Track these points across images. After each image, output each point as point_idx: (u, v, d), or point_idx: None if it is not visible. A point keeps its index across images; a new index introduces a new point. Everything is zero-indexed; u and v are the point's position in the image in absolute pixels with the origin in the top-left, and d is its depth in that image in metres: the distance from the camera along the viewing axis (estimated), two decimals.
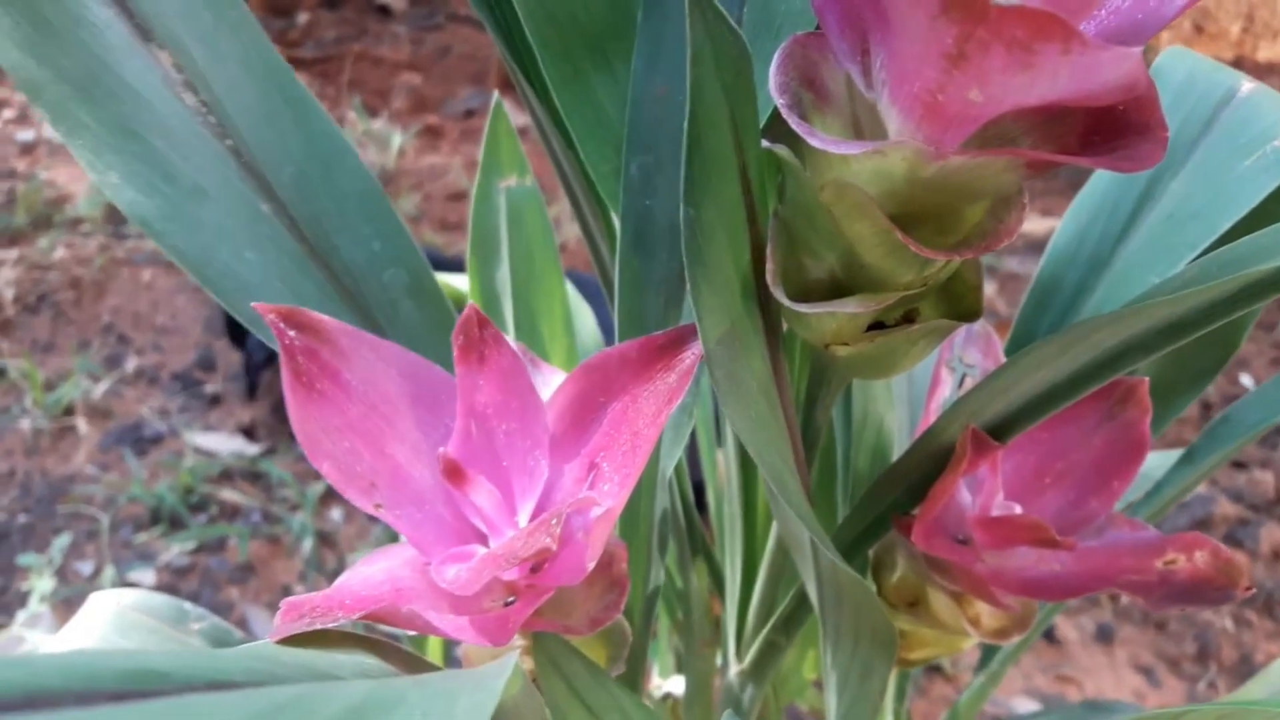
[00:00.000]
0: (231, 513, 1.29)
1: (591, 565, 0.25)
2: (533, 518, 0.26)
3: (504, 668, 0.17)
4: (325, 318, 0.26)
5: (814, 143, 0.21)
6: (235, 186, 0.28)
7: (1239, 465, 1.36)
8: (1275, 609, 1.18)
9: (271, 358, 1.32)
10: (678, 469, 0.40)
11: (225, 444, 1.36)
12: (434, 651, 0.52)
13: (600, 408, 0.27)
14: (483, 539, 0.27)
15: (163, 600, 0.42)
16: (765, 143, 0.24)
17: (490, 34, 0.30)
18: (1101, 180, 0.37)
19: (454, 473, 0.25)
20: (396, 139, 1.95)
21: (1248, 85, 0.36)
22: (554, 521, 0.23)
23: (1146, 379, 0.30)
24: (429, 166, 1.91)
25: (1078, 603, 1.19)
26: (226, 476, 1.31)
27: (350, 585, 0.25)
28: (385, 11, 2.36)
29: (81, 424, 1.37)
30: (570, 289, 0.47)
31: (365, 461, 0.26)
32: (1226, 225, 0.34)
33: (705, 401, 0.49)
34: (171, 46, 0.28)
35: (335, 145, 0.30)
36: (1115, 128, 0.21)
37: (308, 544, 1.22)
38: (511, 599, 0.27)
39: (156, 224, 0.27)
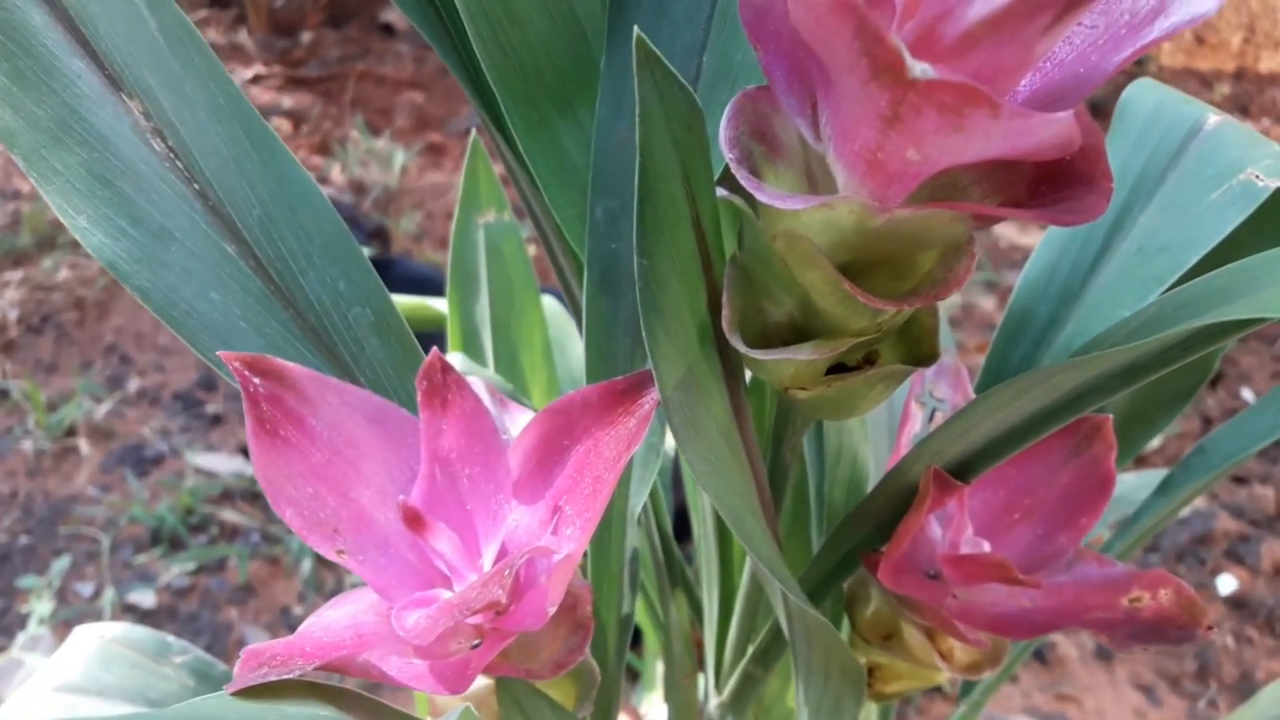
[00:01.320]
0: (231, 533, 1.29)
1: (553, 610, 0.25)
2: (496, 561, 0.26)
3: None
4: (291, 365, 0.26)
5: (761, 198, 0.21)
6: (201, 229, 0.29)
7: (1240, 480, 1.36)
8: (1276, 626, 1.18)
9: None
10: (655, 502, 0.40)
11: (226, 464, 1.36)
12: (421, 697, 0.52)
13: (564, 450, 0.27)
14: (447, 582, 0.27)
15: (145, 634, 0.43)
16: (721, 192, 0.25)
17: (459, 82, 0.30)
18: None
19: (414, 521, 0.25)
20: (399, 157, 1.95)
21: (1214, 118, 0.36)
22: (506, 573, 0.23)
23: (1110, 416, 0.30)
24: (431, 185, 1.92)
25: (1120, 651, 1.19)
26: (227, 496, 1.32)
27: (312, 632, 0.26)
28: (389, 30, 2.38)
29: (83, 445, 1.38)
30: (559, 312, 0.48)
31: (329, 507, 0.26)
32: (1195, 258, 0.34)
33: None
34: (141, 95, 0.29)
35: (301, 187, 0.30)
36: (1062, 178, 0.22)
37: (307, 565, 1.22)
38: (477, 642, 0.27)
39: (123, 266, 0.28)
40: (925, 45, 0.19)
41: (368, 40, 2.31)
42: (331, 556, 0.26)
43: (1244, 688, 1.11)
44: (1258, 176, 0.34)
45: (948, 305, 1.64)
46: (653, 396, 0.26)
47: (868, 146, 0.20)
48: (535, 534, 0.27)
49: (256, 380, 0.26)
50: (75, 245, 1.66)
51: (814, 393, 0.26)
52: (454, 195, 1.83)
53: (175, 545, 1.27)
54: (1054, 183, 0.22)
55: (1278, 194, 0.34)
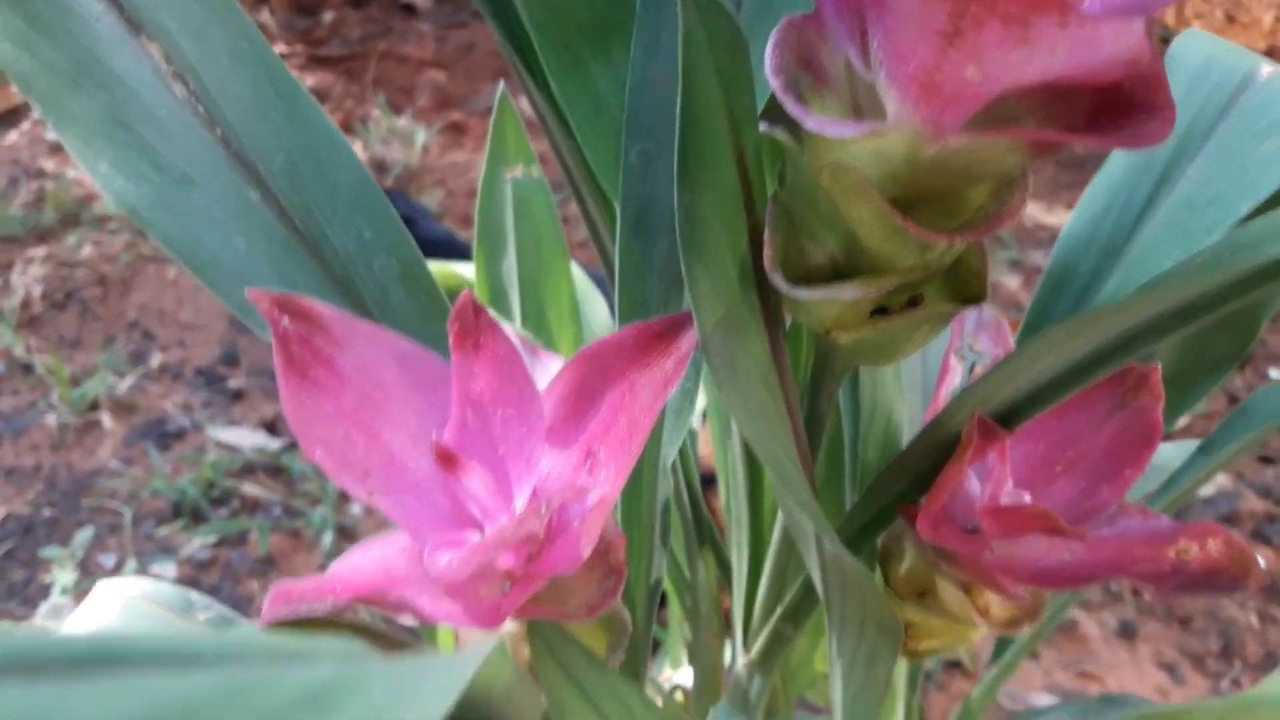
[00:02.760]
0: (253, 507, 1.29)
1: (587, 553, 0.25)
2: (528, 505, 0.26)
3: (480, 650, 0.17)
4: (320, 304, 0.26)
5: (810, 125, 0.21)
6: (224, 175, 0.28)
7: (1266, 460, 1.34)
8: None
9: None
10: (684, 460, 0.40)
11: (247, 439, 1.36)
12: (445, 643, 0.52)
13: (598, 395, 0.27)
14: (479, 526, 0.27)
15: (169, 589, 0.42)
16: (763, 126, 0.24)
17: (490, 25, 0.30)
18: (1116, 167, 0.36)
19: (448, 460, 0.25)
20: (420, 136, 1.95)
21: (1267, 69, 0.35)
22: (544, 508, 0.22)
23: (1158, 365, 0.29)
24: (452, 163, 1.92)
25: (1099, 598, 1.18)
26: (248, 471, 1.32)
27: (343, 571, 0.25)
28: (410, 10, 2.37)
29: (106, 419, 1.39)
30: (582, 278, 0.47)
31: (359, 449, 0.26)
32: (1245, 210, 0.33)
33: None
34: (161, 39, 0.28)
35: (326, 136, 0.30)
36: (1122, 107, 0.21)
37: (328, 538, 1.22)
38: (508, 586, 0.27)
39: (145, 212, 0.27)
40: None
41: (389, 19, 2.30)
42: (363, 498, 0.26)
43: (1268, 666, 1.10)
44: None
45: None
46: (690, 337, 0.25)
47: (924, 67, 0.19)
48: (569, 478, 0.27)
49: (285, 321, 0.25)
50: (99, 222, 1.67)
51: (856, 335, 0.25)
52: (476, 173, 1.83)
53: (197, 518, 1.27)
54: (1112, 112, 0.21)
55: None
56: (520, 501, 0.27)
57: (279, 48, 2.23)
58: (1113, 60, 0.17)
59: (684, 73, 0.21)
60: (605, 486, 0.25)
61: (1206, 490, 1.29)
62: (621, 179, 0.28)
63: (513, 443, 0.27)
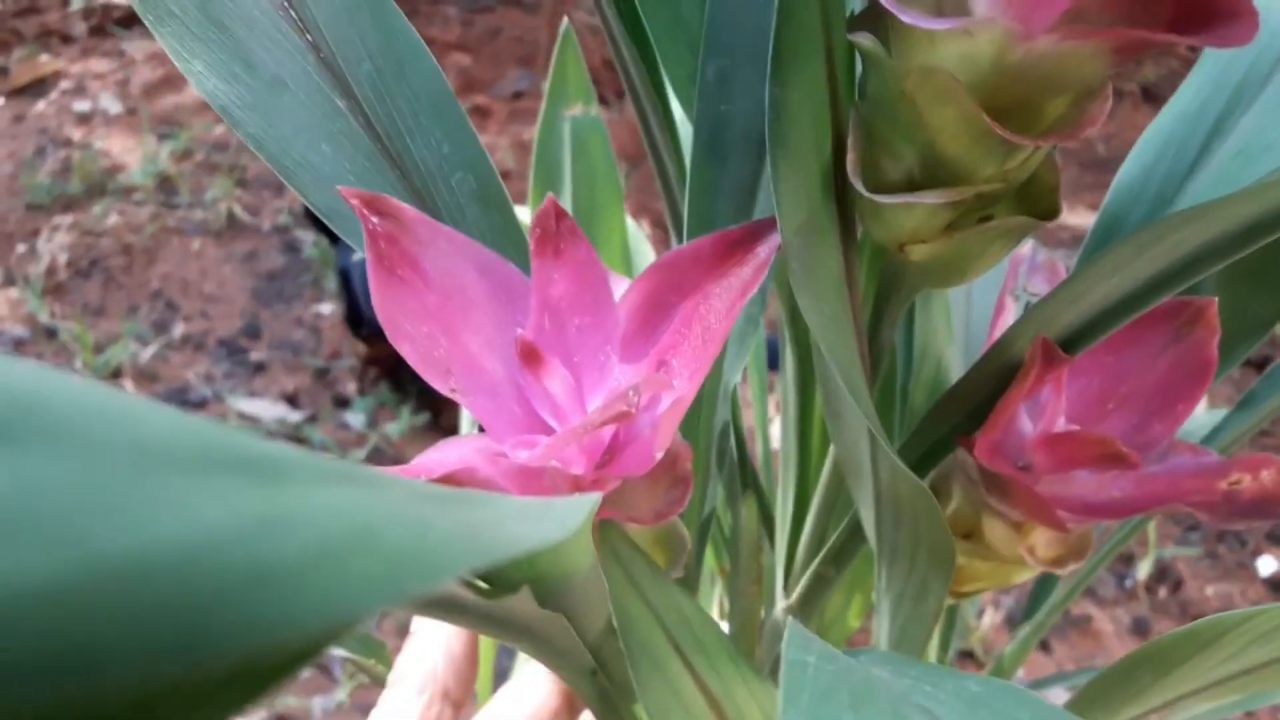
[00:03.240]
0: None
1: (660, 454, 0.26)
2: (610, 395, 0.27)
3: (587, 499, 0.18)
4: (406, 206, 0.26)
5: (904, 19, 0.21)
6: (313, 80, 0.29)
7: None
8: None
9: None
10: (733, 403, 0.41)
11: (269, 410, 1.37)
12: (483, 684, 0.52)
13: (672, 306, 0.27)
14: (550, 433, 0.27)
15: None
16: (851, 34, 0.25)
17: None
18: (1168, 118, 0.37)
19: (530, 356, 0.26)
20: None
21: None
22: (632, 393, 0.23)
23: (1214, 300, 0.30)
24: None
25: (1113, 594, 1.18)
26: None
27: (424, 461, 0.26)
28: None
29: (129, 386, 1.40)
30: (632, 227, 0.48)
31: (442, 347, 0.27)
32: None
33: (759, 347, 0.49)
34: None
35: (410, 45, 0.30)
36: (1203, 15, 0.21)
37: None
38: (581, 488, 0.27)
39: (236, 112, 0.28)
40: None
41: (415, 3, 2.31)
42: (446, 393, 0.26)
43: None
44: None
45: None
46: (770, 244, 0.26)
47: None
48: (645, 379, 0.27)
49: (375, 219, 0.26)
50: (125, 192, 1.68)
51: (931, 249, 0.26)
52: (499, 156, 1.84)
53: None
54: (1193, 20, 0.21)
55: None
56: (594, 408, 0.27)
57: None
58: None
59: None
60: (680, 390, 0.26)
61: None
62: (697, 96, 0.29)
63: (588, 350, 0.28)
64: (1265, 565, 1.22)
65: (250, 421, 1.35)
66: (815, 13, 0.22)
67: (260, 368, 1.44)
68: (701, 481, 0.33)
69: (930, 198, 0.24)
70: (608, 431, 0.27)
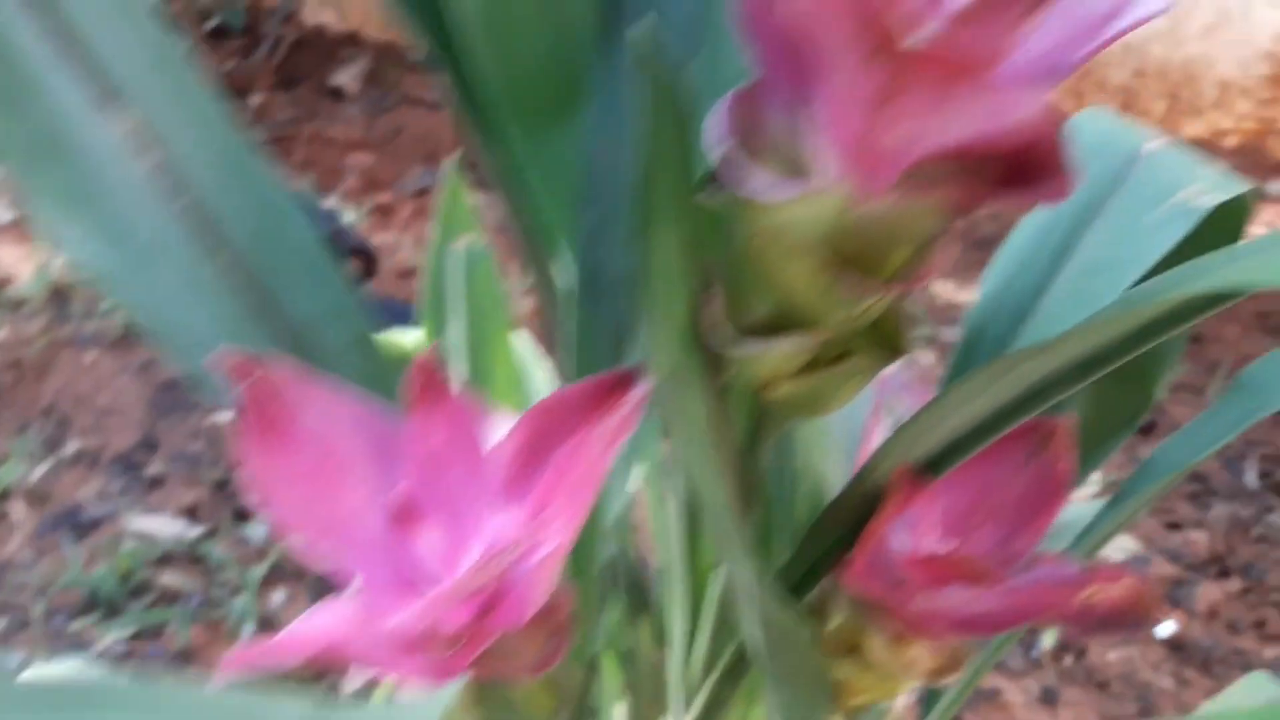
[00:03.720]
0: (171, 598, 1.26)
1: (535, 608, 0.26)
2: (477, 560, 0.27)
3: (441, 695, 0.18)
4: (281, 366, 0.27)
5: (748, 187, 0.23)
6: (189, 245, 0.29)
7: (1174, 526, 1.39)
8: (1213, 667, 1.20)
9: None
10: (622, 527, 0.41)
11: (166, 526, 1.33)
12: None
13: (549, 451, 0.28)
14: (432, 585, 0.27)
15: (97, 672, 0.42)
16: (705, 192, 0.26)
17: (449, 91, 0.31)
18: (1021, 236, 0.39)
19: (402, 518, 0.26)
20: (349, 217, 1.96)
21: (1155, 142, 0.38)
22: (499, 557, 0.23)
23: (1066, 419, 0.32)
24: (381, 244, 1.92)
25: (1021, 665, 1.20)
26: (166, 560, 1.29)
27: (295, 633, 0.26)
28: (338, 94, 2.39)
29: (17, 509, 1.34)
30: (524, 347, 0.48)
31: (316, 508, 0.27)
32: (1138, 274, 0.36)
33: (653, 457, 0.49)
34: (130, 110, 0.29)
35: (284, 205, 0.31)
36: (1029, 171, 0.23)
37: (249, 628, 1.19)
38: (459, 644, 0.27)
39: (112, 281, 0.28)
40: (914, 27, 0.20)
41: (317, 103, 2.32)
42: (318, 558, 0.26)
43: None
44: (1194, 196, 0.36)
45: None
46: (642, 389, 0.26)
47: (857, 131, 0.21)
48: (519, 535, 0.28)
49: (248, 381, 0.26)
50: (14, 305, 1.63)
51: (790, 388, 0.27)
52: (405, 254, 1.84)
53: (112, 611, 1.23)
54: (1021, 176, 0.23)
55: (1216, 215, 0.36)
56: (473, 559, 0.28)
57: None
58: (1024, 124, 0.19)
59: (640, 137, 0.23)
60: (554, 541, 0.26)
61: (1118, 556, 1.33)
62: (578, 242, 0.30)
63: (465, 502, 0.28)
64: (1163, 627, 1.25)
65: (147, 540, 1.31)
66: (676, 175, 0.23)
67: (157, 482, 1.39)
68: (591, 616, 0.34)
69: (783, 345, 0.25)
70: (505, 561, 0.27)
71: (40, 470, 1.38)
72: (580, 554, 0.33)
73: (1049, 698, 1.18)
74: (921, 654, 0.35)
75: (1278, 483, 1.47)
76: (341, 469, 0.28)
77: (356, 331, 0.31)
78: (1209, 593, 1.29)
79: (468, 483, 0.28)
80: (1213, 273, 0.21)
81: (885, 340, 0.27)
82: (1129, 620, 0.29)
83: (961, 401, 0.26)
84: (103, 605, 1.23)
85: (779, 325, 0.27)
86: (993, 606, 0.32)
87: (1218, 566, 1.35)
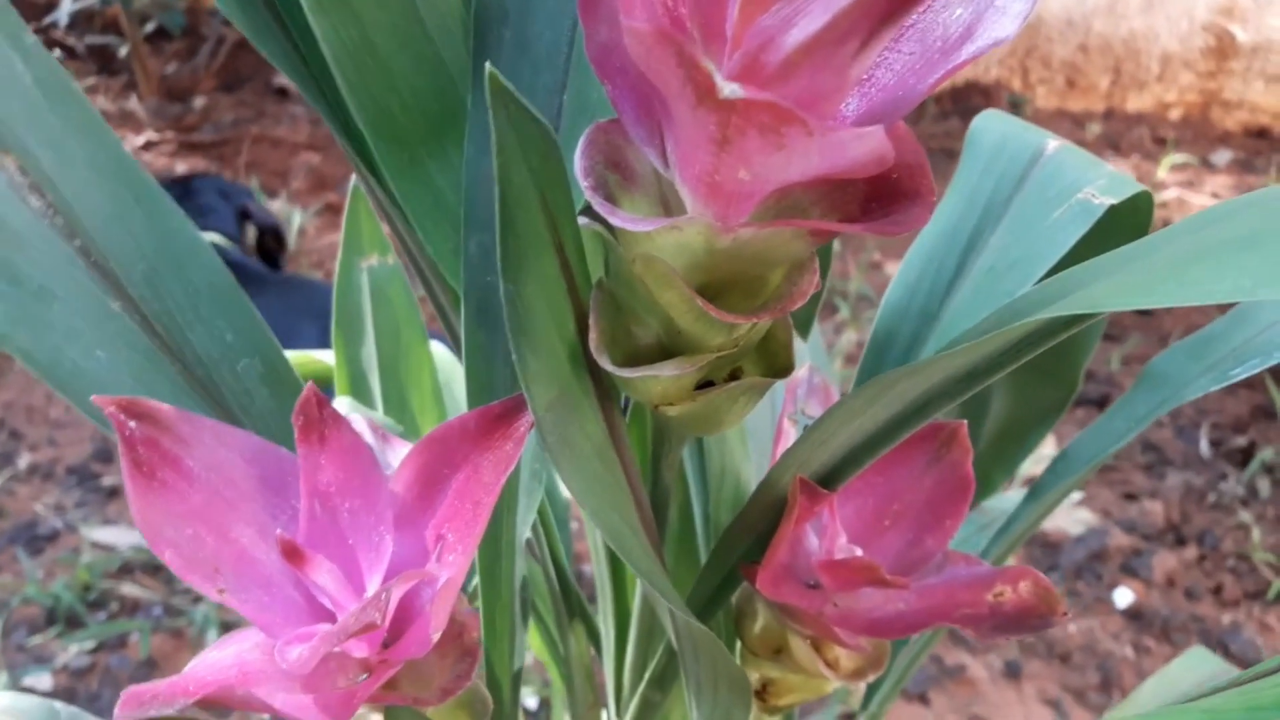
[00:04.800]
0: (132, 608, 1.25)
1: (437, 636, 0.26)
2: (369, 596, 0.27)
3: None
4: (164, 406, 0.26)
5: (614, 222, 0.22)
6: (84, 286, 0.29)
7: (1130, 497, 1.41)
8: (1172, 634, 1.22)
9: None
10: (549, 533, 0.41)
11: (124, 537, 1.32)
12: None
13: (444, 478, 0.28)
14: (332, 617, 0.27)
15: (35, 702, 0.42)
16: (582, 220, 0.26)
17: (327, 124, 0.31)
18: (928, 237, 0.39)
19: (293, 554, 0.26)
20: (297, 218, 1.94)
21: (1054, 144, 0.38)
22: (383, 597, 0.23)
23: (964, 422, 0.32)
24: (330, 244, 1.91)
25: (983, 642, 1.22)
26: (126, 570, 1.28)
27: (196, 671, 0.26)
28: (283, 93, 2.36)
29: None
30: (448, 358, 0.48)
31: (209, 547, 0.26)
32: (1041, 273, 0.36)
33: None
34: (17, 151, 0.29)
35: (187, 241, 0.30)
36: (891, 195, 0.23)
37: (212, 635, 1.19)
38: (365, 675, 0.27)
39: (2, 328, 0.28)
40: (751, 72, 0.20)
41: (262, 103, 2.30)
42: (213, 596, 0.26)
43: None
44: (1094, 195, 0.36)
45: (844, 343, 1.68)
46: (527, 419, 0.26)
47: (705, 170, 0.21)
48: (418, 563, 0.28)
49: (131, 423, 0.26)
50: None
51: (682, 408, 0.27)
52: None
53: (73, 624, 1.22)
54: (884, 200, 0.23)
55: (1116, 213, 0.36)
56: (372, 590, 0.28)
57: (149, 135, 2.21)
58: (862, 160, 0.20)
59: (499, 174, 0.23)
60: (452, 569, 0.26)
61: (1075, 529, 1.35)
62: (463, 270, 0.30)
63: (362, 532, 0.28)
64: (1122, 597, 1.27)
65: (106, 550, 1.30)
66: (538, 216, 0.23)
67: (114, 493, 1.38)
68: (509, 633, 0.34)
69: (666, 370, 0.25)
70: (395, 596, 0.27)
71: None
72: (491, 574, 0.33)
73: (1012, 671, 1.19)
74: (842, 655, 0.36)
75: (1230, 450, 1.49)
76: (236, 502, 0.27)
77: (267, 364, 0.31)
78: (1166, 561, 1.30)
79: (365, 513, 0.28)
80: (1072, 294, 0.22)
81: (772, 359, 0.27)
82: (1034, 620, 0.30)
83: (848, 418, 0.26)
84: (63, 618, 1.22)
85: (669, 347, 0.27)
86: (905, 608, 0.33)
87: (1174, 535, 1.37)
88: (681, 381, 0.27)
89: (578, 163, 0.24)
